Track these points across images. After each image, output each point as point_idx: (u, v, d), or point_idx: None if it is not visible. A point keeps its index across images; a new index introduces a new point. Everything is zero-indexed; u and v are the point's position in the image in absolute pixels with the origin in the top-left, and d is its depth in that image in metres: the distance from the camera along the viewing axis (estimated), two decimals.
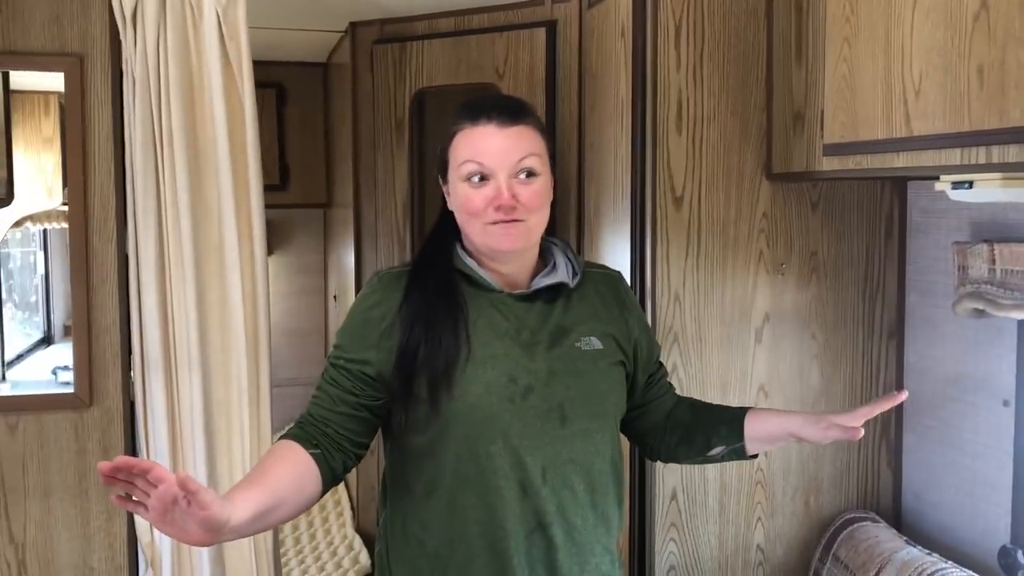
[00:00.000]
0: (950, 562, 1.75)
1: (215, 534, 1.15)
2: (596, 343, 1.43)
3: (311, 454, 1.35)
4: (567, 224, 2.40)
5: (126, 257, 2.09)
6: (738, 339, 1.97)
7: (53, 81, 2.29)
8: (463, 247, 1.44)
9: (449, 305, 1.39)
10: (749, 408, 1.50)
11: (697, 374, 1.95)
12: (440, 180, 1.45)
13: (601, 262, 2.15)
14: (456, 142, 1.40)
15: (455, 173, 1.39)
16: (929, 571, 1.71)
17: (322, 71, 3.79)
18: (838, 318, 2.02)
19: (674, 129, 1.91)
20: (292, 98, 3.80)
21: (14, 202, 2.42)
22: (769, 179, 1.95)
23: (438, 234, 1.48)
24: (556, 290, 1.44)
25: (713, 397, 1.95)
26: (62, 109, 2.47)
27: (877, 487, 2.07)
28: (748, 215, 1.96)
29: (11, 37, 2.04)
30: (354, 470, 3.49)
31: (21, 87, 2.39)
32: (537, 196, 1.37)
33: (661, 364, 1.58)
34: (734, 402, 1.96)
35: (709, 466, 1.97)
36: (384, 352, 1.38)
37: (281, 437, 1.41)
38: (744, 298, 1.97)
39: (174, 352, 2.04)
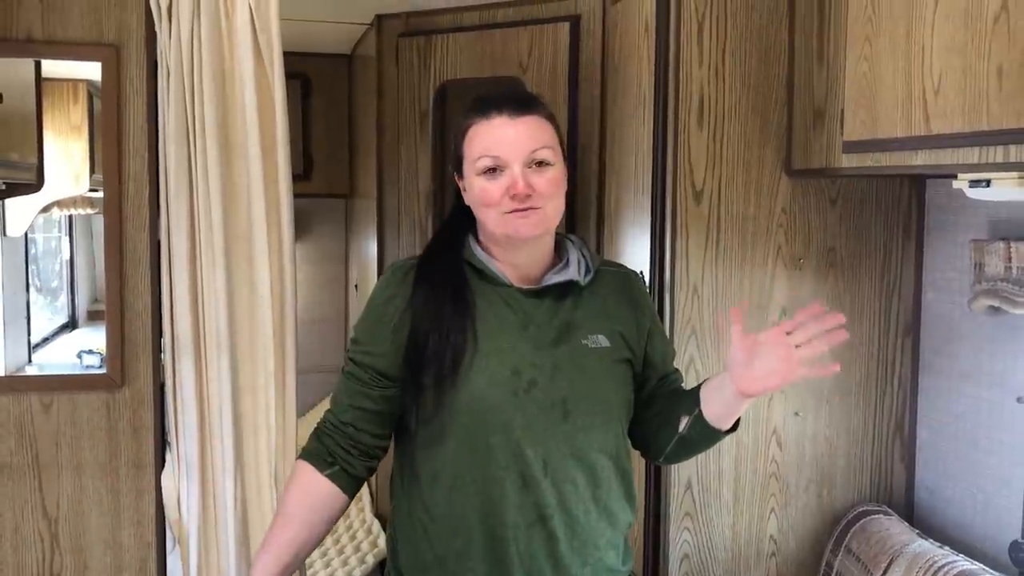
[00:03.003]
0: (961, 555, 1.77)
1: None
2: (603, 341, 1.45)
3: (328, 475, 1.44)
4: (587, 217, 2.43)
5: (158, 243, 2.14)
6: (755, 333, 1.99)
7: (83, 69, 2.34)
8: (477, 241, 1.47)
9: (457, 299, 1.41)
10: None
11: (714, 367, 1.98)
12: (455, 175, 1.48)
13: (621, 255, 2.18)
14: (470, 137, 1.42)
15: (470, 168, 1.41)
16: (940, 564, 1.74)
17: (347, 63, 3.83)
18: (854, 313, 2.04)
19: (695, 124, 1.94)
20: (317, 89, 3.83)
21: (43, 188, 2.47)
22: (788, 175, 1.98)
23: (449, 227, 1.50)
24: (567, 287, 1.45)
25: None
26: (91, 97, 2.52)
27: (890, 481, 2.09)
28: (767, 210, 1.98)
29: (50, 27, 2.09)
30: None
31: (51, 75, 2.43)
32: (551, 183, 1.39)
33: (676, 369, 1.58)
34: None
35: (725, 457, 2.00)
36: (396, 344, 1.42)
37: (301, 451, 1.49)
38: (762, 292, 2.00)
39: (204, 336, 2.09)
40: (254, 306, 2.09)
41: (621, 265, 1.61)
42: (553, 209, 1.41)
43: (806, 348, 1.29)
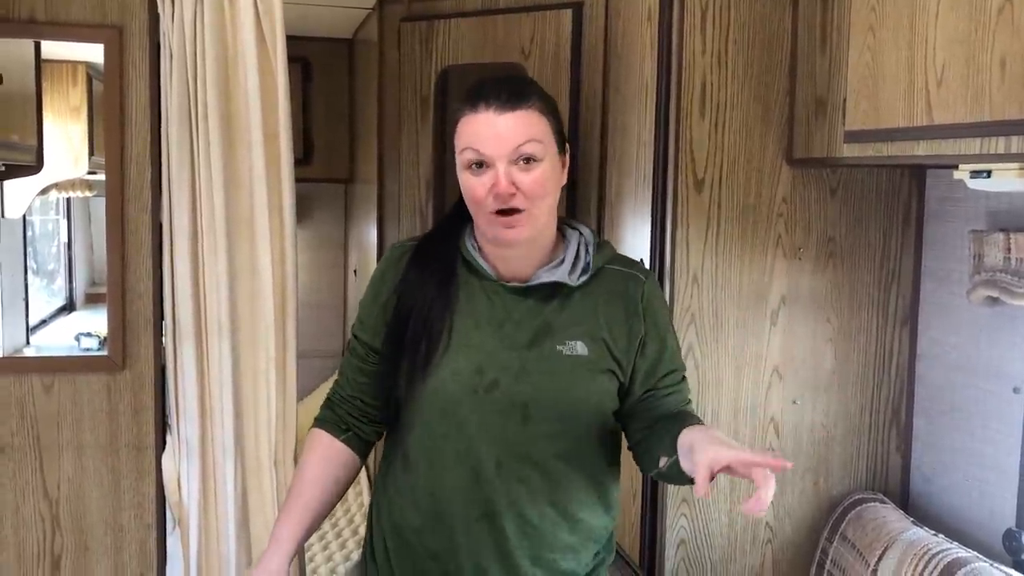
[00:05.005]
0: (956, 543, 1.79)
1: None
2: (581, 349, 1.40)
3: (343, 440, 1.50)
4: (588, 204, 2.43)
5: (160, 226, 2.14)
6: (754, 321, 2.01)
7: (82, 51, 2.33)
8: (473, 232, 1.46)
9: (441, 290, 1.41)
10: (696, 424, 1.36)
11: (712, 355, 1.99)
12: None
13: (621, 242, 2.19)
14: (459, 130, 1.39)
15: (458, 160, 1.39)
16: (935, 551, 1.75)
17: (347, 47, 3.82)
18: (853, 303, 2.05)
19: (697, 113, 1.94)
20: (318, 73, 3.83)
21: (42, 170, 2.47)
22: (789, 164, 1.98)
23: (452, 215, 1.50)
24: (556, 286, 1.42)
25: (728, 378, 2.00)
26: (90, 79, 2.52)
27: (886, 470, 2.11)
28: (768, 199, 1.99)
29: (54, 8, 2.09)
30: None
31: (50, 56, 2.42)
32: (538, 184, 1.35)
33: (678, 382, 1.48)
34: (747, 384, 2.01)
35: None
36: (384, 321, 1.45)
37: (315, 420, 1.54)
38: (761, 281, 2.00)
39: (205, 319, 2.09)
40: (255, 290, 2.10)
41: (635, 264, 1.52)
42: (542, 210, 1.37)
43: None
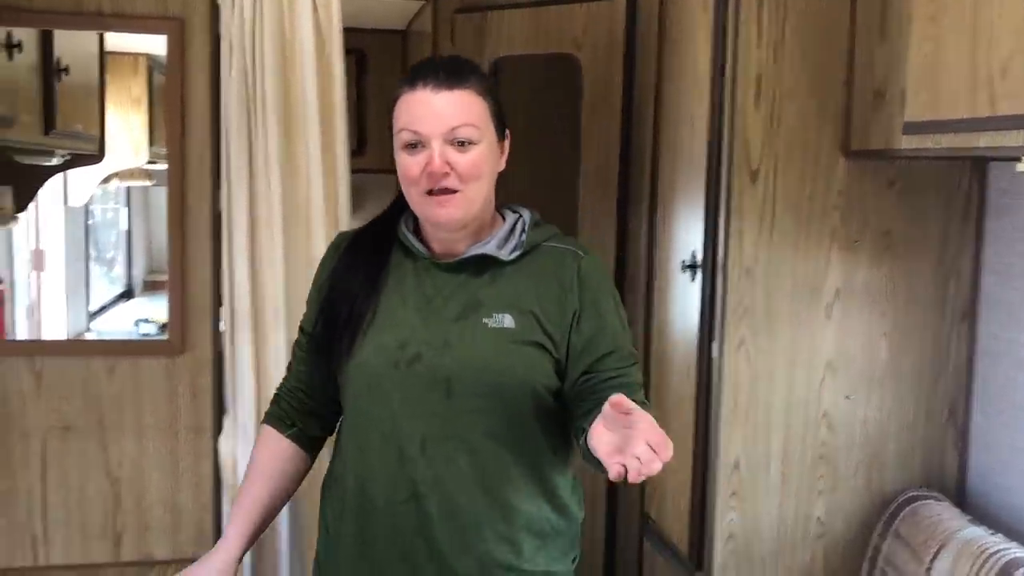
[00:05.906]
0: (1015, 543, 1.75)
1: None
2: (507, 321, 1.36)
3: (288, 436, 1.49)
4: (640, 196, 2.42)
5: (218, 214, 2.19)
6: (808, 315, 1.99)
7: (144, 43, 2.39)
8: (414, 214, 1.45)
9: (369, 274, 1.41)
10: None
11: (765, 348, 1.97)
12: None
13: (674, 235, 2.18)
14: (396, 108, 1.38)
15: (395, 141, 1.38)
16: (992, 551, 1.72)
17: (401, 38, 3.84)
18: (910, 297, 2.02)
19: (752, 104, 1.92)
20: (372, 65, 3.85)
21: (104, 159, 2.55)
22: (846, 156, 1.96)
23: (394, 202, 1.49)
24: (488, 262, 1.40)
25: (781, 371, 1.98)
26: (150, 70, 2.58)
27: (942, 467, 2.07)
28: (823, 192, 1.96)
29: (119, 1, 2.15)
30: None
31: (112, 48, 2.49)
32: (473, 166, 1.33)
33: (624, 365, 1.39)
34: (800, 378, 1.99)
35: (773, 438, 1.99)
36: (317, 311, 1.46)
37: (265, 414, 1.55)
38: (816, 274, 1.98)
39: (261, 306, 2.14)
40: (311, 279, 2.13)
41: (576, 244, 1.48)
42: (476, 192, 1.35)
43: (633, 461, 1.05)
